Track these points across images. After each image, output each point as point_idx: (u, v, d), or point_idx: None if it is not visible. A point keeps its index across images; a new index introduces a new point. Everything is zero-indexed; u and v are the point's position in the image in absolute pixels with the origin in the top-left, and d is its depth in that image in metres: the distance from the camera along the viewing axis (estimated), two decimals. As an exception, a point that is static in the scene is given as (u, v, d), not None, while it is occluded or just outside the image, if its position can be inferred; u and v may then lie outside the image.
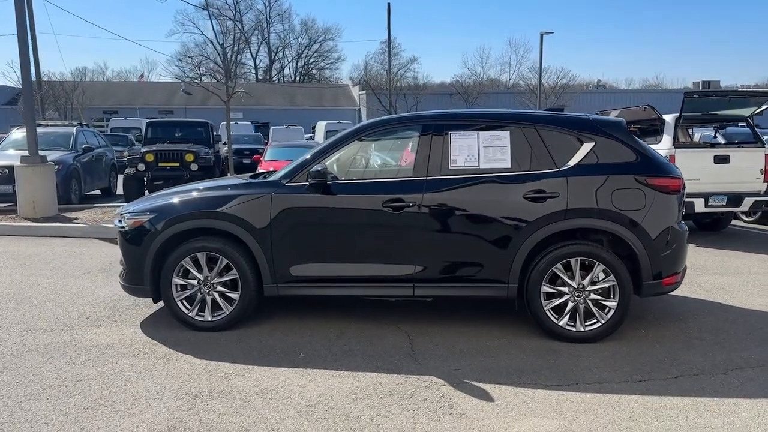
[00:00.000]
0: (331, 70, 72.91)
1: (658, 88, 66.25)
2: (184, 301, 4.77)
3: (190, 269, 4.72)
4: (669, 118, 8.65)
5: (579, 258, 4.43)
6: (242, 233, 4.63)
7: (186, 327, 4.78)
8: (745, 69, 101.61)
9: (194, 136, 14.85)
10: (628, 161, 4.51)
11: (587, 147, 4.52)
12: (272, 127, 32.58)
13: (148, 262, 4.74)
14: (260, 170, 13.77)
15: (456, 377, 3.88)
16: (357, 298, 5.13)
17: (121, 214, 5.03)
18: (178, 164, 13.31)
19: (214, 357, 4.25)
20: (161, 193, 5.29)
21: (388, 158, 5.38)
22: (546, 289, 4.48)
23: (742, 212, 9.65)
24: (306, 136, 32.34)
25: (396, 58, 65.06)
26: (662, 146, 8.30)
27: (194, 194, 4.89)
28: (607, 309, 4.46)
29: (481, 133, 4.63)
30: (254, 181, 4.98)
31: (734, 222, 10.02)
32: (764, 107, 8.69)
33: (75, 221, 9.75)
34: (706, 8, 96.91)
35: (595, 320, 4.46)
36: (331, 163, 4.74)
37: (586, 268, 4.46)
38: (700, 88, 63.70)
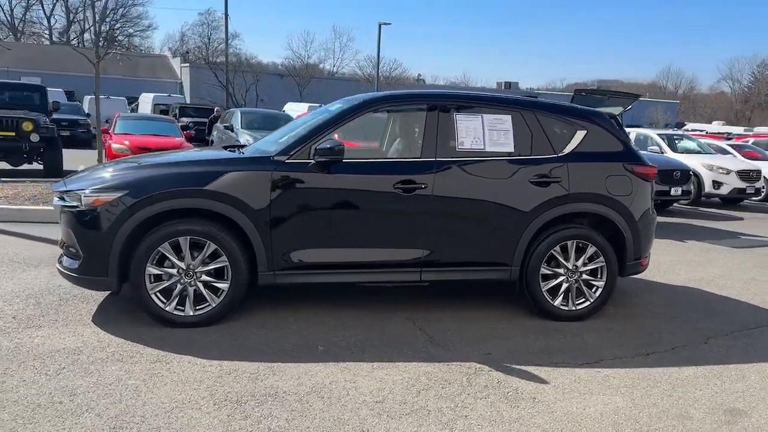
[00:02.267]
0: (141, 38, 67.18)
1: (463, 86, 71.94)
2: (158, 294, 4.09)
3: (168, 256, 4.06)
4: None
5: (575, 240, 4.63)
6: (237, 215, 4.09)
7: (160, 323, 4.12)
8: (543, 71, 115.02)
9: (26, 101, 12.71)
10: (616, 150, 4.80)
11: (581, 135, 4.72)
12: (87, 97, 29.17)
13: (115, 248, 3.98)
14: (115, 144, 12.25)
15: (494, 361, 3.84)
16: (336, 284, 4.83)
17: (67, 191, 4.16)
18: (13, 134, 11.30)
19: (220, 356, 3.71)
20: (120, 165, 4.46)
21: (394, 136, 5.08)
22: (544, 270, 4.61)
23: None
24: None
25: (216, 32, 62.12)
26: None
27: (173, 169, 4.21)
28: (595, 288, 4.72)
29: (485, 116, 4.59)
30: (245, 156, 4.41)
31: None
32: (629, 108, 9.79)
33: None
34: (510, 12, 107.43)
35: (584, 299, 4.71)
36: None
37: (578, 250, 4.67)
38: (503, 88, 69.75)
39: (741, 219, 11.53)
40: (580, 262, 4.65)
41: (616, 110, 9.75)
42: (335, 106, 4.76)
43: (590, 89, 9.45)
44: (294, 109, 28.81)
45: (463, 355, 3.94)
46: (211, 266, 4.13)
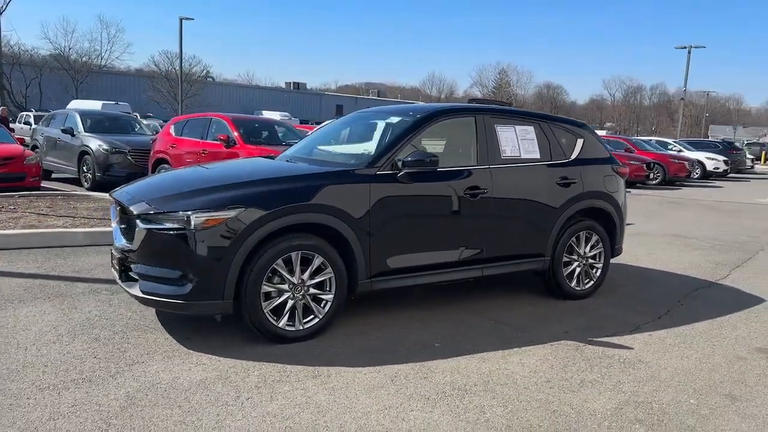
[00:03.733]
0: None
1: (247, 84, 71.90)
2: (270, 311, 4.02)
3: (281, 272, 4.01)
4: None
5: (585, 231, 5.51)
6: (343, 227, 4.18)
7: (272, 341, 4.05)
8: (319, 72, 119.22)
9: None
10: (605, 155, 5.79)
11: (581, 142, 5.61)
12: None
13: (234, 269, 3.83)
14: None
15: (576, 337, 4.51)
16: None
17: (159, 213, 3.86)
18: None
19: (365, 363, 3.84)
20: (206, 181, 4.20)
21: (449, 146, 5.33)
22: (564, 258, 5.42)
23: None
24: None
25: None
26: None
27: (280, 184, 4.13)
28: (596, 270, 5.67)
29: (516, 127, 5.23)
30: (335, 170, 4.43)
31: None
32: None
33: None
34: (283, 13, 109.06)
35: (590, 280, 5.63)
36: (407, 150, 4.63)
37: (586, 240, 5.56)
38: (291, 88, 70.90)
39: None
40: (587, 249, 5.56)
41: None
42: (395, 119, 5.00)
43: (481, 99, 10.66)
44: (82, 107, 26.14)
45: (549, 335, 4.54)
46: (317, 279, 4.16)
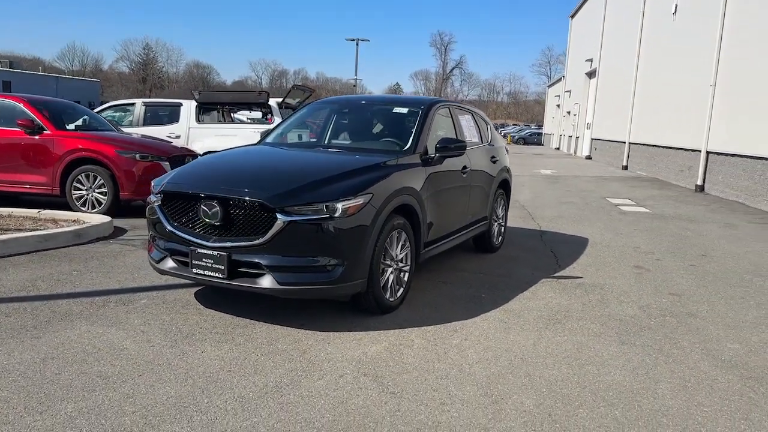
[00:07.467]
0: None
1: None
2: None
3: (389, 250, 4.49)
4: (274, 102, 10.81)
5: (500, 198, 7.02)
6: (417, 206, 4.80)
7: (382, 312, 4.54)
8: None
9: None
10: (500, 138, 7.34)
11: (490, 128, 7.06)
12: None
13: (369, 250, 4.21)
14: None
15: (545, 276, 5.98)
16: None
17: (300, 205, 3.98)
18: None
19: (467, 316, 4.64)
20: (309, 170, 4.31)
21: (441, 132, 5.89)
22: (492, 220, 6.85)
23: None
24: None
25: None
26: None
27: (377, 172, 4.49)
28: (502, 228, 7.25)
29: (465, 116, 6.38)
30: (400, 159, 4.84)
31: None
32: (307, 97, 12.01)
33: None
34: None
35: (500, 236, 7.19)
36: (433, 135, 5.38)
37: (500, 204, 7.07)
38: None
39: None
40: (500, 211, 7.09)
41: (295, 100, 11.98)
42: (403, 109, 5.62)
43: (303, 86, 11.34)
44: None
45: (528, 278, 5.90)
46: (402, 254, 4.72)
